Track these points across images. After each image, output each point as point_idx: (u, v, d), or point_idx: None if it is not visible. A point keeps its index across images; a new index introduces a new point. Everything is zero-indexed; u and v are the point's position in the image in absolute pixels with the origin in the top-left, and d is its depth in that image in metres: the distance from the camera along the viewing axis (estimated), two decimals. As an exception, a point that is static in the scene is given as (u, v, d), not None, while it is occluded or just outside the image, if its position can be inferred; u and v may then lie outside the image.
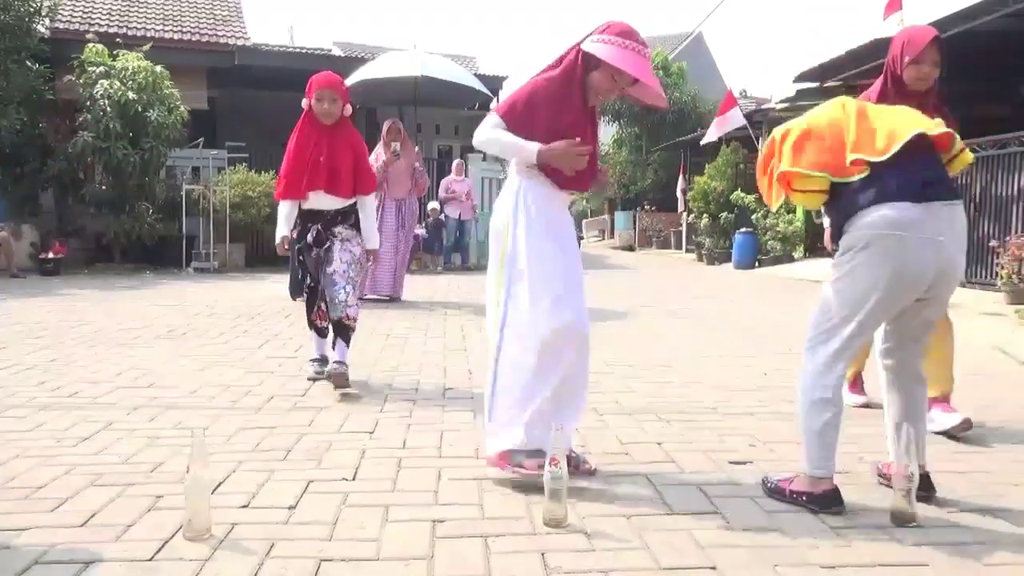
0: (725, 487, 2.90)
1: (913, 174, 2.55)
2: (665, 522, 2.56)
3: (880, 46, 11.44)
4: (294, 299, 7.85)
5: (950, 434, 3.52)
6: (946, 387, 3.63)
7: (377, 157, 8.28)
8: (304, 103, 4.34)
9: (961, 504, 2.75)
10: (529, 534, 2.45)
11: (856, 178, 2.58)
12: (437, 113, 18.48)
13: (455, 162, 14.20)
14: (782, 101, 18.53)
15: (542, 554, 2.31)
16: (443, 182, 13.73)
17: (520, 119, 2.83)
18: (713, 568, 2.24)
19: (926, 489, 2.71)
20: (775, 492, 2.77)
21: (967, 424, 3.53)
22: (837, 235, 2.69)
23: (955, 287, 2.71)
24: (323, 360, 4.65)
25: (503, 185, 3.04)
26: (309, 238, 4.41)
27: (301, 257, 4.52)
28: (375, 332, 6.37)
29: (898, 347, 2.79)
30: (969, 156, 2.72)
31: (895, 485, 2.59)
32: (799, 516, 2.63)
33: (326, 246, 4.40)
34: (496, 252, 2.92)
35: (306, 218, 4.45)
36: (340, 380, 4.23)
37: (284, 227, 4.43)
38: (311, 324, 4.73)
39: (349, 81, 11.80)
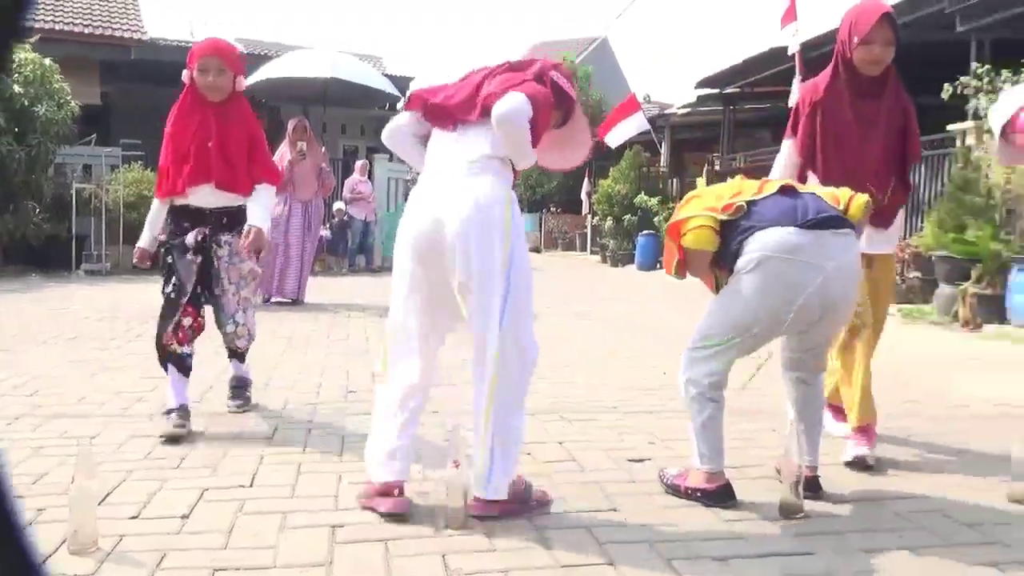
0: (624, 484, 2.96)
1: (801, 206, 2.65)
2: (565, 520, 2.59)
3: (776, 55, 11.89)
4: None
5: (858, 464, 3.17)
6: (865, 416, 3.24)
7: (282, 157, 8.11)
8: (185, 76, 3.53)
9: (844, 495, 2.88)
10: (430, 537, 2.45)
11: (742, 217, 2.67)
12: (343, 112, 18.23)
13: (359, 162, 14.04)
14: (684, 106, 19.04)
15: (443, 556, 2.31)
16: (348, 182, 13.55)
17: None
18: (611, 564, 2.28)
19: (814, 490, 2.80)
20: (671, 489, 2.84)
21: (863, 462, 3.14)
22: (729, 264, 2.73)
23: (847, 316, 2.78)
24: (184, 411, 3.46)
25: (472, 179, 2.53)
26: (189, 239, 3.51)
27: (170, 258, 3.55)
28: (276, 335, 6.23)
29: (796, 356, 2.89)
30: (861, 200, 2.72)
31: (784, 478, 2.70)
32: (694, 511, 2.70)
33: (209, 255, 3.56)
34: (500, 249, 2.48)
35: (184, 218, 3.54)
36: (243, 403, 3.90)
37: (147, 234, 3.59)
38: (165, 350, 3.52)
39: (255, 79, 11.58)
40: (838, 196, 2.73)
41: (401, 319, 2.64)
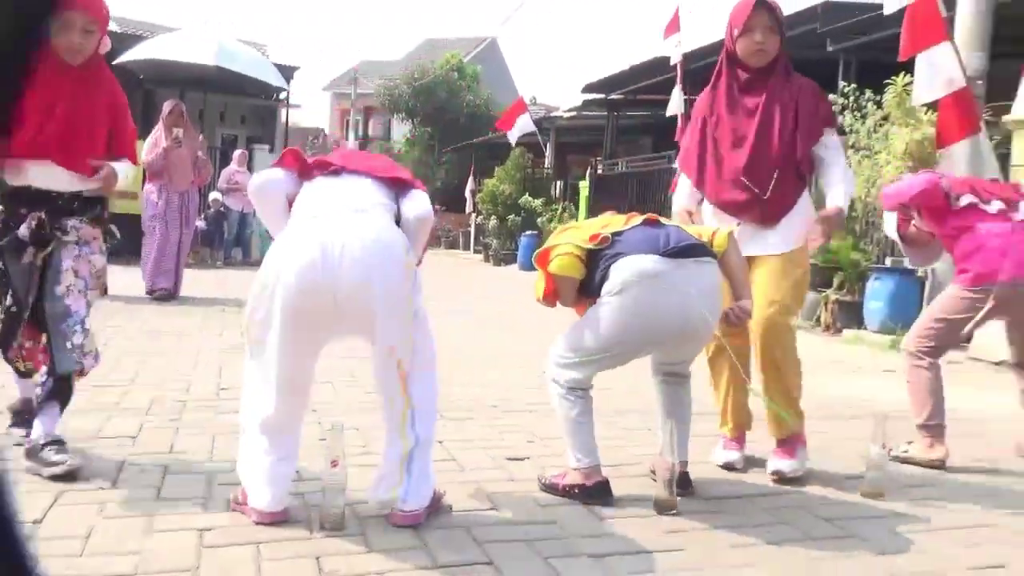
0: (503, 483, 2.97)
1: (663, 235, 2.77)
2: (443, 520, 2.57)
3: (660, 64, 12.23)
4: None
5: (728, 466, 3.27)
6: (739, 420, 3.31)
7: (156, 143, 7.74)
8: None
9: (715, 493, 2.98)
10: (304, 539, 2.38)
11: (608, 247, 2.76)
12: (222, 99, 17.60)
13: (237, 152, 13.58)
14: (569, 110, 19.35)
15: (317, 559, 2.25)
16: (224, 172, 13.08)
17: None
18: (489, 563, 2.28)
19: (685, 486, 2.90)
20: (550, 488, 2.87)
21: (731, 465, 3.25)
22: (597, 292, 2.78)
23: (707, 337, 2.88)
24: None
25: (367, 216, 2.51)
26: (22, 231, 2.79)
27: (1, 263, 2.83)
28: (146, 329, 5.95)
29: (664, 364, 3.00)
30: (723, 234, 2.86)
31: (658, 476, 2.77)
32: (572, 509, 2.74)
33: (48, 250, 2.84)
34: (403, 278, 2.48)
35: (20, 202, 2.83)
36: (60, 467, 2.73)
37: None
38: (13, 365, 3.00)
39: (129, 56, 11.01)
40: (701, 232, 2.89)
41: (275, 366, 2.44)
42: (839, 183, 3.14)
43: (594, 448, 2.83)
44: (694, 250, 2.77)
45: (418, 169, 25.79)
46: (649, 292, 2.68)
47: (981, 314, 3.37)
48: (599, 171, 15.51)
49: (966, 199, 3.47)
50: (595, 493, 2.79)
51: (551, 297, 2.95)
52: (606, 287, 2.73)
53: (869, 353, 6.71)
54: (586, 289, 2.84)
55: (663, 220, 2.90)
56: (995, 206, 3.46)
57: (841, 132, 7.72)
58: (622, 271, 2.70)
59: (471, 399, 4.29)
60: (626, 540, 2.50)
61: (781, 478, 3.10)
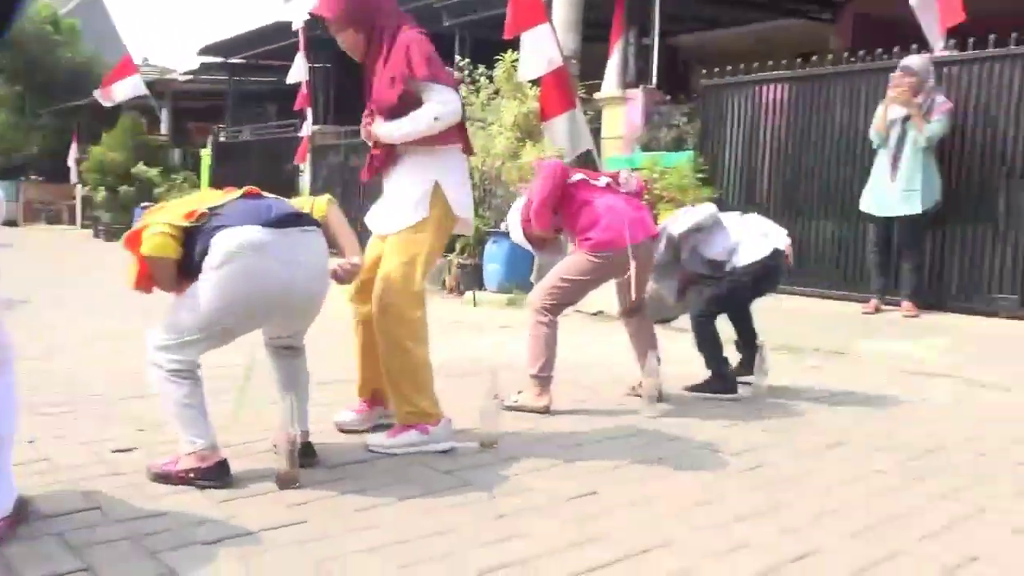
0: (107, 479, 2.69)
1: (264, 207, 2.68)
2: (33, 531, 2.25)
3: (282, 28, 11.87)
4: None
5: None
6: (367, 386, 3.32)
7: None
8: None
9: (339, 459, 2.97)
10: None
11: (205, 222, 2.62)
12: None
13: None
14: (186, 73, 18.10)
15: None
16: None
17: None
18: (86, 570, 2.05)
19: (309, 456, 2.86)
20: (162, 477, 2.66)
21: (344, 426, 3.30)
22: (198, 270, 2.62)
23: (319, 305, 2.81)
24: None
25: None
26: None
27: None
28: None
29: (277, 336, 2.92)
30: (322, 201, 2.89)
31: (279, 450, 2.68)
32: (186, 497, 2.56)
33: None
34: None
35: None
36: None
37: None
38: None
39: None
40: (303, 203, 2.88)
41: None
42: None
43: (208, 428, 2.66)
44: (298, 219, 2.72)
45: (7, 133, 22.55)
46: (255, 263, 2.57)
47: (633, 274, 3.69)
48: (222, 139, 14.73)
49: (577, 176, 3.85)
50: (213, 475, 2.63)
51: (145, 282, 2.72)
52: (208, 261, 2.58)
53: (489, 312, 7.17)
54: (186, 270, 2.65)
55: (264, 193, 2.81)
56: (603, 181, 3.88)
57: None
58: (224, 243, 2.56)
59: (71, 389, 3.85)
60: (245, 521, 2.39)
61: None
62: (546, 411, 3.69)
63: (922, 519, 2.54)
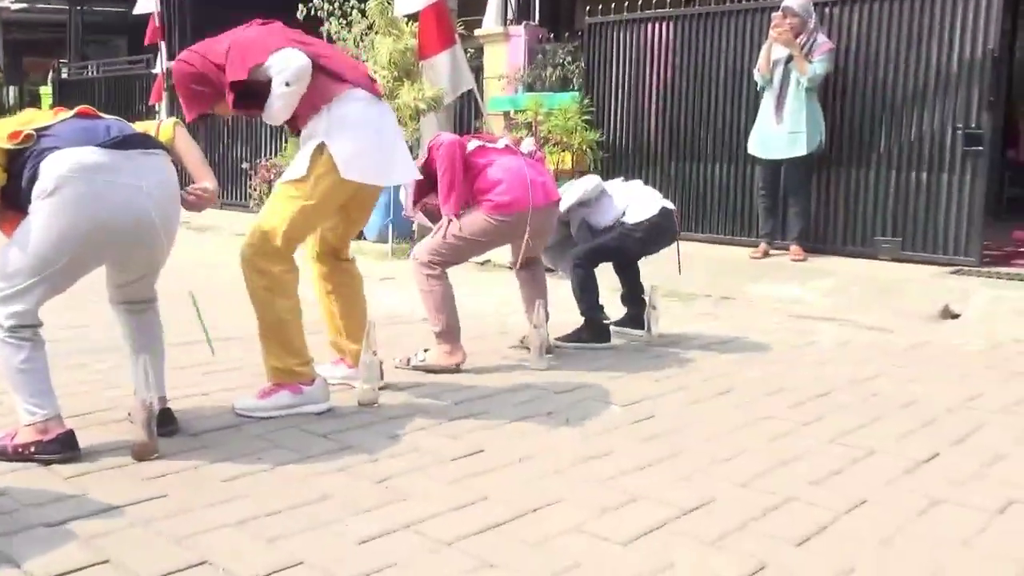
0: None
1: (103, 127, 2.44)
2: None
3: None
4: None
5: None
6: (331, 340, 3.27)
7: None
8: None
9: (203, 425, 2.74)
10: None
11: (33, 144, 2.35)
12: None
13: None
14: (18, 0, 16.53)
15: None
16: None
17: None
18: None
19: (168, 423, 2.63)
20: (-4, 454, 2.38)
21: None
22: (27, 200, 2.35)
23: (171, 237, 2.56)
24: None
25: None
26: None
27: None
28: None
29: (123, 287, 2.67)
30: (169, 124, 2.67)
31: (135, 419, 2.43)
32: (27, 474, 2.30)
33: None
34: None
35: None
36: None
37: None
38: None
39: None
40: (147, 127, 2.64)
41: None
42: None
43: (52, 396, 2.39)
44: (140, 141, 2.46)
45: None
46: (91, 187, 2.31)
47: (525, 239, 3.56)
48: (64, 76, 13.51)
49: (474, 143, 3.66)
50: (56, 448, 2.37)
51: None
52: (37, 189, 2.30)
53: (368, 264, 6.91)
54: (13, 202, 2.36)
55: (101, 114, 2.54)
56: (502, 143, 3.73)
57: (329, 39, 7.63)
58: (55, 166, 2.29)
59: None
60: (95, 498, 2.16)
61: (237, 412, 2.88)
62: (458, 370, 3.51)
63: (812, 464, 2.52)
